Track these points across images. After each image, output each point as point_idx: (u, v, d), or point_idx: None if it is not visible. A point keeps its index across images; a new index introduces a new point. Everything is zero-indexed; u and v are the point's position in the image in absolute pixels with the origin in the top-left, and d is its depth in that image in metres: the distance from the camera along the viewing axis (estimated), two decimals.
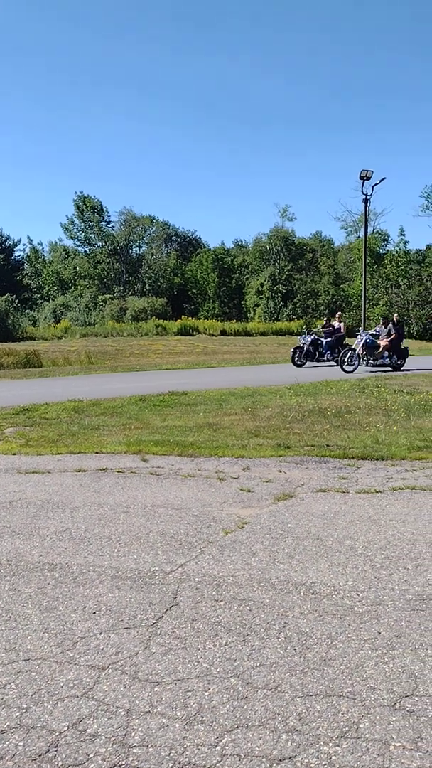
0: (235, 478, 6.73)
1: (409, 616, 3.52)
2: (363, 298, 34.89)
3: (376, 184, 34.51)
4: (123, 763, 2.42)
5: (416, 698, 2.77)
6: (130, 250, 67.83)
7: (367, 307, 38.29)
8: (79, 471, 7.16)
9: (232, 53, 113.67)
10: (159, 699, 2.82)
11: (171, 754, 2.46)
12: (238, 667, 3.05)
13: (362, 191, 33.33)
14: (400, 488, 6.20)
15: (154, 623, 3.51)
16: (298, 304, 52.75)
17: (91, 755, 2.47)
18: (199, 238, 73.75)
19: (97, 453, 8.14)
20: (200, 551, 4.58)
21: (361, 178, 32.67)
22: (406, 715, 2.65)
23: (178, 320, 44.00)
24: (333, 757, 2.42)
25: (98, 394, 14.22)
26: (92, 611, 3.67)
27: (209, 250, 66.67)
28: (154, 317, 46.25)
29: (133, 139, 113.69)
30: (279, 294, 54.50)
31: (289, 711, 2.71)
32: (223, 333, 42.44)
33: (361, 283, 36.62)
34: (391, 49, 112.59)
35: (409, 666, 3.01)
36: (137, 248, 69.04)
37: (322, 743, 2.50)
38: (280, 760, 2.41)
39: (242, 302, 60.55)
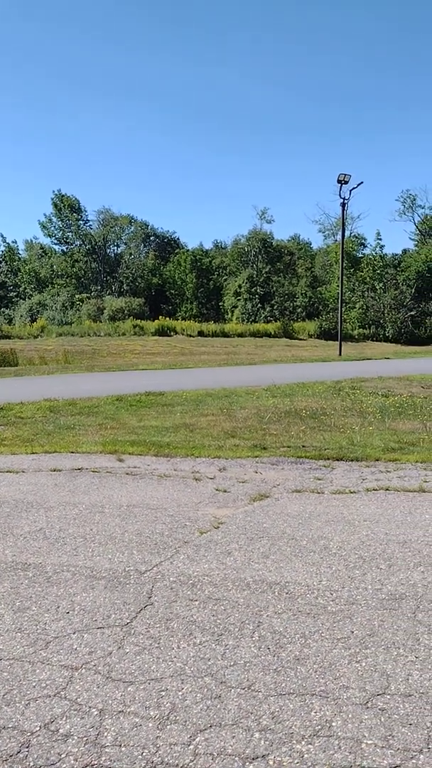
0: (211, 479, 6.73)
1: (382, 615, 3.55)
2: (340, 301, 35.14)
3: (353, 188, 34.76)
4: (95, 763, 2.41)
5: (388, 696, 2.79)
6: (108, 250, 67.52)
7: (343, 310, 38.58)
8: (54, 470, 7.11)
9: (215, 57, 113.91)
10: (132, 698, 2.81)
11: (144, 754, 2.45)
12: (212, 667, 3.05)
13: (340, 195, 33.59)
14: (374, 489, 6.25)
15: (128, 623, 3.49)
16: (275, 306, 52.85)
17: (63, 755, 2.45)
18: (178, 238, 73.66)
19: (72, 453, 8.09)
20: (175, 551, 4.58)
21: (339, 182, 32.90)
22: (378, 713, 2.68)
23: (156, 320, 43.83)
24: (305, 755, 2.43)
25: (74, 394, 14.13)
26: (66, 611, 3.65)
27: (188, 250, 66.56)
28: (131, 317, 46.04)
29: (112, 139, 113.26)
30: (257, 296, 54.60)
31: (263, 710, 2.72)
32: (201, 334, 42.37)
33: (338, 286, 36.87)
34: (372, 55, 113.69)
35: (381, 665, 3.04)
36: (115, 248, 68.75)
37: (294, 741, 2.51)
38: (253, 759, 2.42)
39: (220, 303, 60.55)
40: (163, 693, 2.85)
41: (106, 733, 2.57)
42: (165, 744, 2.50)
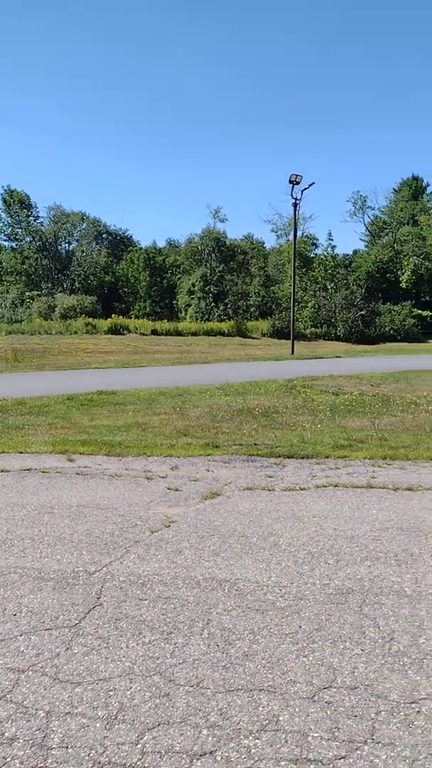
0: (163, 477, 6.72)
1: (329, 609, 3.60)
2: (292, 300, 35.50)
3: (305, 189, 35.16)
4: (41, 765, 2.38)
5: (334, 690, 2.84)
6: (60, 247, 66.65)
7: (296, 309, 38.99)
8: (2, 471, 6.98)
9: (167, 49, 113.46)
10: (80, 699, 2.79)
11: (91, 755, 2.43)
12: (161, 665, 3.05)
13: (291, 195, 33.93)
14: (323, 485, 6.34)
15: (76, 624, 3.46)
16: (229, 305, 53.05)
17: (9, 759, 2.41)
18: (131, 236, 73.26)
19: (21, 453, 7.96)
20: (126, 551, 4.55)
21: (290, 182, 33.22)
22: (324, 707, 2.72)
23: (109, 319, 43.42)
24: (252, 750, 2.45)
25: (24, 393, 13.90)
26: (12, 613, 3.59)
27: (141, 248, 66.27)
28: (83, 315, 45.48)
29: (63, 132, 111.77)
30: (210, 294, 54.71)
31: (211, 706, 2.73)
32: (155, 332, 42.19)
33: (290, 285, 37.23)
34: (327, 57, 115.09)
35: (328, 658, 3.09)
36: (67, 245, 67.92)
37: (242, 737, 2.53)
38: (201, 755, 2.43)
39: (174, 302, 60.46)
40: (111, 693, 2.83)
41: (52, 735, 2.55)
42: (112, 744, 2.49)
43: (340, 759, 2.40)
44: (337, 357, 32.46)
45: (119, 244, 70.60)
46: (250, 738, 2.52)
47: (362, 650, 3.16)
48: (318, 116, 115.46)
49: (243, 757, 2.42)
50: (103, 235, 70.65)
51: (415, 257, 53.24)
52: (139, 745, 2.48)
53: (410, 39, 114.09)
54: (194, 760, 2.40)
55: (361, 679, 2.91)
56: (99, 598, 3.78)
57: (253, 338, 44.32)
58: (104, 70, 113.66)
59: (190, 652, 3.16)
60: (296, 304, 40.19)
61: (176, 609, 3.63)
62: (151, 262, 62.42)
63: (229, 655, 3.13)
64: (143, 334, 41.21)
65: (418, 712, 2.67)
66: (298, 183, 33.33)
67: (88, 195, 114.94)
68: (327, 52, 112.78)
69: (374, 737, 2.51)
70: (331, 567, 4.23)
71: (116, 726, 2.60)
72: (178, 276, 62.02)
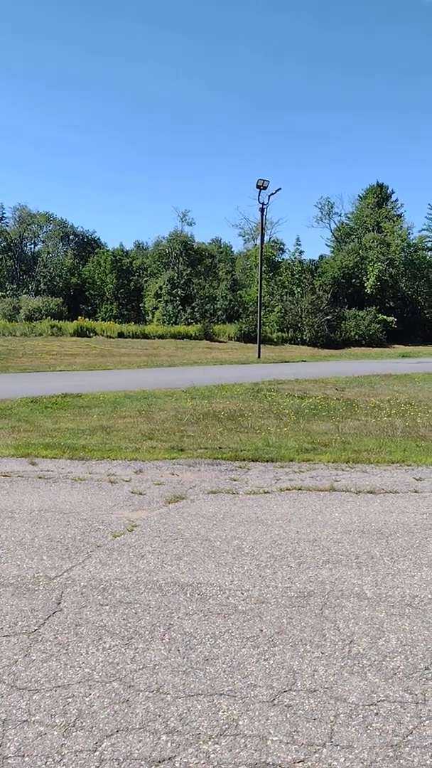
0: (127, 481, 6.68)
1: (291, 612, 3.62)
2: (259, 304, 35.67)
3: (272, 194, 35.38)
4: None
5: (294, 693, 2.85)
6: (25, 248, 65.86)
7: (262, 313, 39.18)
8: None
9: (137, 54, 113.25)
10: (38, 707, 2.74)
11: (48, 763, 2.39)
12: (121, 671, 3.02)
13: (259, 200, 34.11)
14: (287, 489, 6.37)
15: (35, 630, 3.41)
16: (196, 309, 53.05)
17: None
18: (98, 238, 72.81)
19: None
20: (87, 555, 4.51)
21: (258, 187, 33.39)
22: (284, 710, 2.72)
23: (75, 321, 43.03)
24: (212, 755, 2.44)
25: None
26: None
27: (108, 250, 65.88)
28: (49, 317, 44.99)
29: (29, 134, 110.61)
30: (177, 298, 54.65)
31: (171, 712, 2.71)
32: (121, 335, 41.95)
33: (257, 289, 37.40)
34: (297, 60, 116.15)
35: (288, 662, 3.10)
36: (32, 246, 67.18)
37: (201, 742, 2.52)
38: (159, 762, 2.41)
39: (141, 305, 60.24)
40: (70, 700, 2.80)
41: (9, 744, 2.50)
42: (70, 752, 2.46)
43: (299, 762, 2.40)
44: (303, 361, 32.70)
45: (86, 245, 70.13)
46: (210, 743, 2.51)
47: (322, 653, 3.17)
48: (286, 125, 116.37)
49: (202, 762, 2.41)
50: (70, 237, 70.11)
51: (379, 263, 53.95)
52: (97, 753, 2.45)
53: (374, 55, 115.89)
54: (153, 767, 2.38)
55: (321, 682, 2.92)
56: (59, 603, 3.73)
57: (220, 342, 44.39)
58: (72, 77, 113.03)
59: (151, 657, 3.14)
60: (263, 308, 40.38)
61: (137, 614, 3.60)
62: (118, 264, 62.13)
63: (190, 659, 3.12)
64: (110, 337, 40.95)
65: (377, 714, 2.69)
66: (265, 188, 33.52)
67: (55, 196, 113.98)
68: (285, 64, 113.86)
69: (333, 740, 2.53)
70: (293, 570, 4.25)
71: (74, 733, 2.57)
72: (146, 279, 61.84)
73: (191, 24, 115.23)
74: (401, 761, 2.40)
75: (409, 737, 2.54)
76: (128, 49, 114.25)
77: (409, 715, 2.68)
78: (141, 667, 3.06)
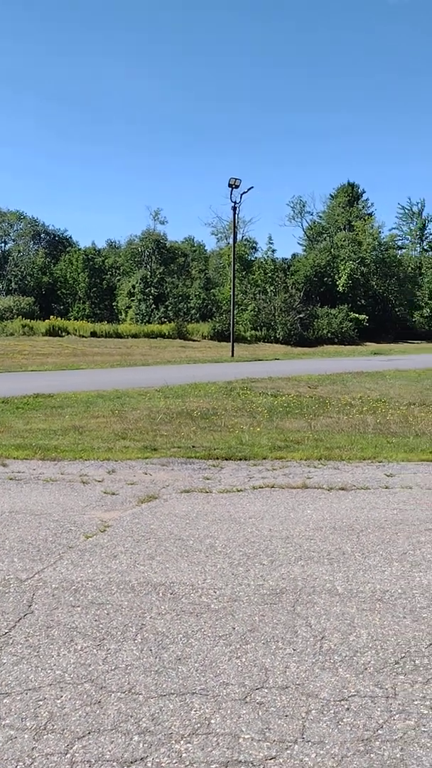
0: (99, 481, 6.64)
1: (263, 610, 3.63)
2: (232, 303, 35.70)
3: (244, 193, 35.41)
4: None
5: (266, 690, 2.86)
6: None
7: (236, 312, 39.23)
8: None
9: (108, 53, 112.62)
10: (8, 711, 2.71)
11: (18, 766, 2.37)
12: (93, 672, 3.00)
13: (231, 199, 34.10)
14: (260, 487, 6.39)
15: (6, 633, 3.37)
16: (169, 307, 52.87)
17: None
18: (70, 237, 72.20)
19: None
20: (59, 557, 4.47)
21: (230, 185, 33.39)
22: (256, 707, 2.73)
23: (47, 320, 42.56)
24: (184, 755, 2.44)
25: None
26: None
27: (80, 249, 65.36)
28: (20, 317, 44.44)
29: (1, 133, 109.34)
30: (151, 297, 54.41)
31: (143, 712, 2.70)
32: (94, 334, 41.62)
33: (230, 288, 37.44)
34: (270, 60, 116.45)
35: (260, 659, 3.11)
36: (2, 244, 66.38)
37: (173, 741, 2.52)
38: (131, 763, 2.40)
39: (114, 304, 59.86)
40: (41, 702, 2.77)
41: None
42: (41, 755, 2.44)
43: (270, 759, 2.41)
44: (276, 359, 32.83)
45: (58, 244, 69.48)
46: (182, 742, 2.51)
47: (294, 650, 3.19)
48: (257, 124, 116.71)
49: (174, 762, 2.41)
50: (41, 235, 69.40)
51: (351, 262, 54.36)
52: (68, 755, 2.44)
53: (343, 56, 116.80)
54: None
55: (293, 678, 2.94)
56: (30, 606, 3.70)
57: (194, 340, 44.35)
58: (42, 78, 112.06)
59: (123, 658, 3.13)
60: (236, 307, 40.43)
61: (110, 615, 3.59)
62: (91, 263, 61.66)
63: (162, 659, 3.12)
64: (82, 336, 40.64)
65: (347, 709, 2.71)
66: (237, 186, 33.54)
67: (25, 195, 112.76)
68: (258, 65, 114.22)
69: (304, 736, 2.54)
70: (265, 567, 4.27)
71: (45, 736, 2.55)
72: (118, 278, 61.48)
73: (162, 25, 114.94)
74: (372, 755, 2.43)
75: (380, 731, 2.57)
76: (98, 50, 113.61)
77: (379, 709, 2.71)
78: (113, 667, 3.04)
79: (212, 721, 2.64)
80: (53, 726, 2.61)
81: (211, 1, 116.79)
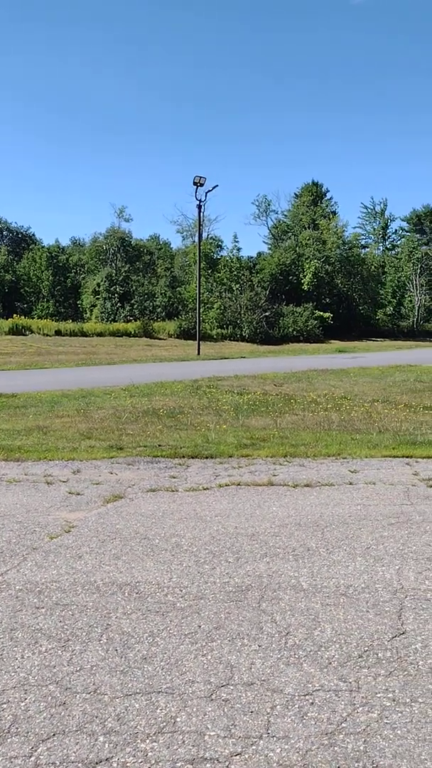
0: (64, 482, 6.58)
1: (229, 607, 3.64)
2: (198, 301, 35.70)
3: (209, 191, 35.51)
4: None
5: (231, 687, 2.87)
6: None
7: (202, 310, 39.24)
8: None
9: (73, 52, 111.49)
10: None
11: None
12: (58, 674, 2.98)
13: (196, 197, 34.10)
14: (226, 485, 6.41)
15: None
16: (135, 306, 52.62)
17: None
18: (33, 234, 71.33)
19: None
20: (23, 558, 4.42)
21: (194, 184, 33.37)
22: (222, 704, 2.74)
23: (10, 319, 41.95)
24: (149, 754, 2.44)
25: None
26: None
27: (43, 247, 64.64)
28: None
29: None
30: (116, 295, 54.07)
31: (108, 712, 2.69)
32: (58, 333, 41.19)
33: (196, 286, 37.44)
34: (228, 63, 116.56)
35: (226, 656, 3.12)
36: None
37: (139, 741, 2.51)
38: (96, 763, 2.39)
39: (78, 302, 59.36)
40: (5, 706, 2.74)
41: None
42: (4, 758, 2.41)
43: (236, 756, 2.43)
44: (242, 357, 32.93)
45: (20, 242, 68.59)
46: (147, 741, 2.51)
47: (259, 646, 3.21)
48: (221, 125, 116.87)
49: (140, 761, 2.40)
50: (4, 233, 68.39)
51: (315, 260, 54.82)
52: (32, 758, 2.41)
53: (314, 57, 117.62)
54: None
55: (258, 674, 2.96)
56: None
57: (160, 339, 44.23)
58: (1, 76, 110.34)
59: (88, 659, 3.11)
60: (202, 305, 40.45)
61: (74, 615, 3.56)
62: (55, 261, 61.06)
63: (128, 659, 3.11)
64: (47, 335, 40.17)
65: (312, 703, 2.74)
66: (202, 185, 33.54)
67: None
68: (222, 66, 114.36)
69: (269, 731, 2.56)
70: (231, 565, 4.28)
71: (9, 739, 2.52)
72: (83, 276, 60.96)
73: (128, 24, 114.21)
74: (335, 748, 2.46)
75: (344, 724, 2.60)
76: (62, 48, 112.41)
77: (343, 702, 2.75)
78: (78, 668, 3.02)
79: (178, 720, 2.64)
80: (17, 729, 2.58)
81: (173, 1, 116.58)
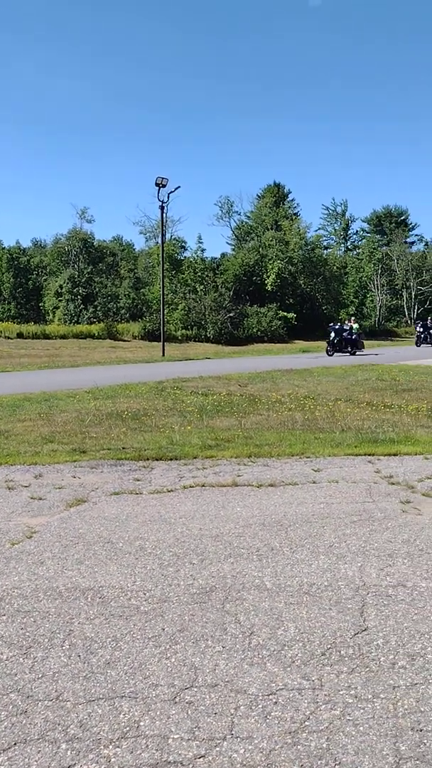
0: (25, 487, 6.49)
1: (193, 609, 3.64)
2: (162, 302, 35.59)
3: (171, 192, 35.33)
4: None
5: (195, 689, 2.87)
6: None
7: (166, 311, 39.15)
8: None
9: (27, 54, 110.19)
10: None
11: None
12: (19, 681, 2.94)
13: (158, 198, 33.98)
14: (190, 486, 6.40)
15: None
16: (99, 307, 52.16)
17: None
18: None
19: None
20: None
21: (156, 185, 33.24)
22: (185, 707, 2.74)
23: None
24: (112, 759, 2.42)
25: None
26: None
27: (4, 248, 63.66)
28: None
29: None
30: (79, 296, 53.52)
31: (71, 719, 2.67)
32: (20, 336, 40.63)
33: (160, 287, 37.32)
34: (188, 65, 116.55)
35: (190, 658, 3.12)
36: None
37: (102, 747, 2.49)
38: None
39: (41, 304, 58.61)
40: None
41: None
42: None
43: (199, 758, 2.42)
44: (207, 358, 32.93)
45: None
46: (111, 747, 2.49)
47: (223, 647, 3.21)
48: (182, 127, 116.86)
49: (102, 767, 2.38)
50: None
51: (279, 261, 55.12)
52: None
53: (267, 63, 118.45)
54: None
55: (222, 676, 2.96)
56: None
57: (124, 341, 43.98)
58: None
59: (50, 666, 3.07)
60: (167, 306, 40.32)
61: (36, 622, 3.52)
62: (15, 262, 60.18)
63: (91, 664, 3.08)
64: (8, 338, 39.62)
65: (275, 703, 2.76)
66: (164, 186, 33.43)
67: None
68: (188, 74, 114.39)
69: (233, 732, 2.56)
70: (195, 567, 4.28)
71: None
72: (45, 277, 60.21)
73: (83, 27, 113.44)
74: (299, 747, 2.47)
75: (307, 723, 2.62)
76: (16, 50, 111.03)
77: (306, 701, 2.77)
78: (40, 676, 2.99)
79: (141, 724, 2.63)
80: None
81: (130, 4, 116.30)
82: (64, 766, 2.39)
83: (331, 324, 34.31)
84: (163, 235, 37.77)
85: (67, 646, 3.25)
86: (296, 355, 31.96)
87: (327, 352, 31.10)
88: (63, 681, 2.94)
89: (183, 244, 61.88)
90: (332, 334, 31.41)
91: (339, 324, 33.93)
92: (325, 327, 37.52)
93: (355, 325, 33.31)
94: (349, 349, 31.27)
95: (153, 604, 3.71)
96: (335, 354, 30.66)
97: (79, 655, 3.16)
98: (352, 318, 37.76)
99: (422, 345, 36.92)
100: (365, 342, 34.33)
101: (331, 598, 3.76)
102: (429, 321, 38.93)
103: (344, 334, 31.61)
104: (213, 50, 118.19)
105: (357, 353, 31.00)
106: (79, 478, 6.82)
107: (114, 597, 3.82)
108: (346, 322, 35.06)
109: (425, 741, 2.49)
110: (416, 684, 2.87)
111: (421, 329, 38.11)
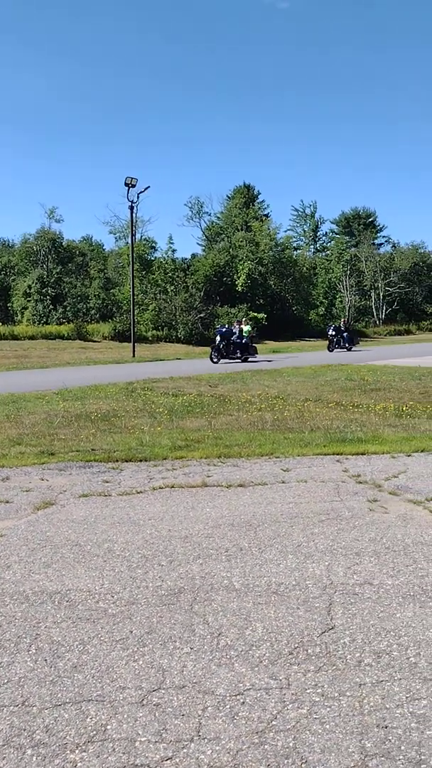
0: None
1: (161, 611, 3.63)
2: (132, 303, 35.45)
3: (141, 192, 35.27)
4: None
5: (163, 691, 2.86)
6: None
7: (136, 312, 38.98)
8: None
9: None
10: None
11: None
12: None
13: (128, 198, 33.84)
14: (160, 487, 6.38)
15: None
16: (68, 308, 51.73)
17: None
18: None
19: None
20: None
21: (126, 185, 33.11)
22: (153, 709, 2.73)
23: None
24: (79, 764, 2.40)
25: None
26: None
27: None
28: None
29: None
30: (48, 297, 53.00)
31: (37, 724, 2.64)
32: None
33: (130, 288, 37.16)
34: (157, 67, 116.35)
35: (158, 660, 3.11)
36: None
37: (68, 752, 2.47)
38: None
39: (8, 305, 57.89)
40: None
41: None
42: None
43: (166, 760, 2.42)
44: (178, 359, 32.89)
45: None
46: (77, 751, 2.47)
47: (191, 648, 3.21)
48: (151, 130, 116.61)
49: None
50: None
51: (249, 262, 55.29)
52: None
53: (246, 69, 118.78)
54: None
55: (190, 677, 2.96)
56: None
57: (94, 341, 43.67)
58: None
59: (16, 671, 3.04)
60: (137, 306, 40.18)
61: (2, 627, 3.47)
62: None
63: (57, 668, 3.05)
64: None
65: (243, 703, 2.76)
66: (134, 186, 33.31)
67: None
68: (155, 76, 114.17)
69: (200, 734, 2.56)
70: (164, 568, 4.27)
71: None
72: (13, 277, 59.50)
73: (42, 30, 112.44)
74: (266, 746, 2.48)
75: (274, 722, 2.63)
76: None
77: (273, 701, 2.78)
78: (5, 681, 2.95)
79: (108, 727, 2.61)
80: None
81: (98, 8, 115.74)
82: None
83: (218, 327, 30.12)
84: (132, 236, 37.63)
85: (34, 651, 3.21)
86: (267, 355, 32.05)
87: (211, 358, 26.87)
88: (29, 686, 2.91)
89: (153, 244, 61.77)
90: (218, 338, 27.28)
91: (226, 326, 29.47)
92: (295, 327, 37.00)
93: (247, 327, 29.85)
94: (239, 354, 27.38)
95: (121, 607, 3.69)
96: (221, 361, 26.53)
97: (46, 660, 3.13)
98: (244, 319, 34.39)
99: (335, 350, 34.24)
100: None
101: (299, 597, 3.78)
102: (342, 325, 36.32)
103: (233, 338, 27.52)
104: (181, 53, 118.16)
105: (249, 359, 27.35)
106: (47, 481, 6.75)
107: (81, 600, 3.79)
108: (235, 324, 30.15)
109: (390, 738, 2.52)
110: (382, 681, 2.90)
111: (334, 332, 35.22)
